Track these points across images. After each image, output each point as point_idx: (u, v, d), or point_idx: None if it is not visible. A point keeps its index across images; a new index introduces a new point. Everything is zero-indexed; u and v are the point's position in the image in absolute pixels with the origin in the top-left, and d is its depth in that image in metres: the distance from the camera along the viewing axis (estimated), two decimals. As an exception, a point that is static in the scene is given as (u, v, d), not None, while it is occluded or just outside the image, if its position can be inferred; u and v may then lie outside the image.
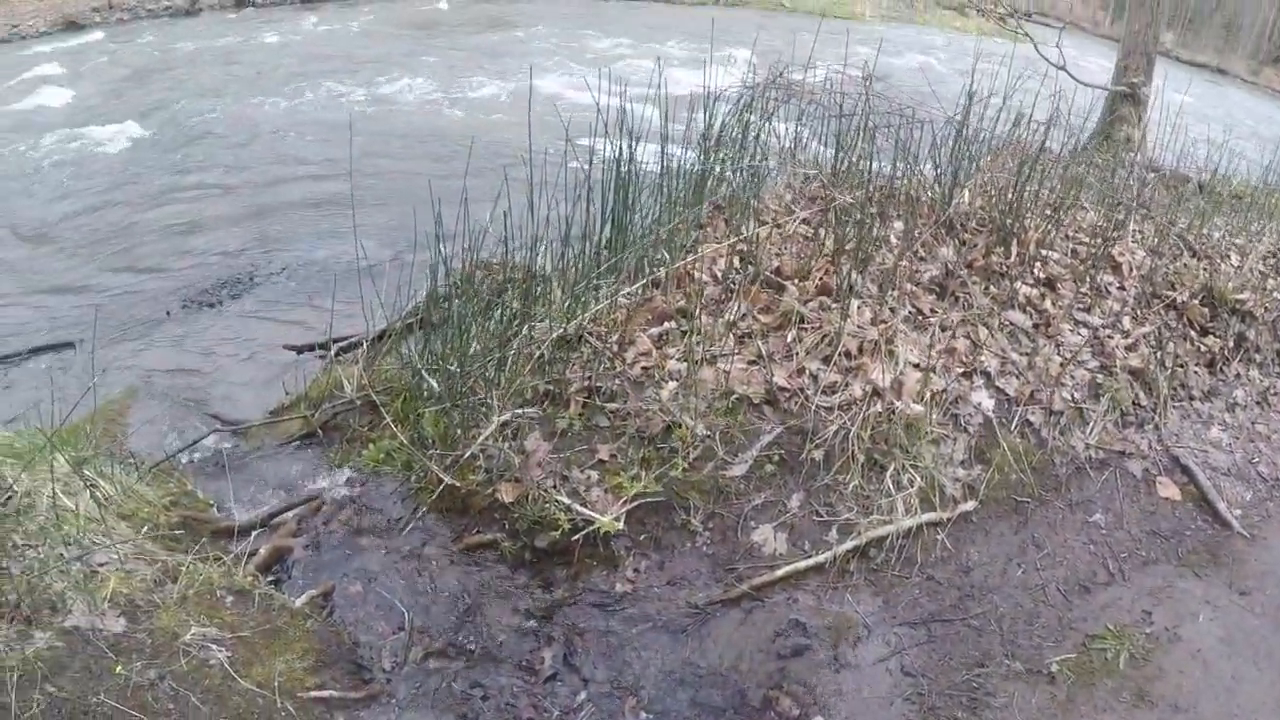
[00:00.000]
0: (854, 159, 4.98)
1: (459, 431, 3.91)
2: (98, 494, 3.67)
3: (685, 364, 3.96)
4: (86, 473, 3.71)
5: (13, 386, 5.76)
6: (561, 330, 4.09)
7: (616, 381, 3.95)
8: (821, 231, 4.79)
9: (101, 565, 3.19)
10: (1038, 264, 4.94)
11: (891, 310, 4.37)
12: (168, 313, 6.46)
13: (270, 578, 3.64)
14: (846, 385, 4.00)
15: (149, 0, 26.70)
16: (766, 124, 5.18)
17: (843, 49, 5.39)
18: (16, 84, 16.77)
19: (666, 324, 4.22)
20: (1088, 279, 4.97)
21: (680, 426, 3.73)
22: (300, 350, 5.52)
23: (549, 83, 11.99)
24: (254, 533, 3.91)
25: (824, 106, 5.39)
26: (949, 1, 26.86)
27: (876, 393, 3.98)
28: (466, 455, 3.78)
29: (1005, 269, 4.84)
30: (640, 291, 4.31)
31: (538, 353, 4.02)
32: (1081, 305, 4.85)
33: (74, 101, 14.30)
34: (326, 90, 12.28)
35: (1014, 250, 4.93)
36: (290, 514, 4.03)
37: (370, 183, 8.67)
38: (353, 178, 8.40)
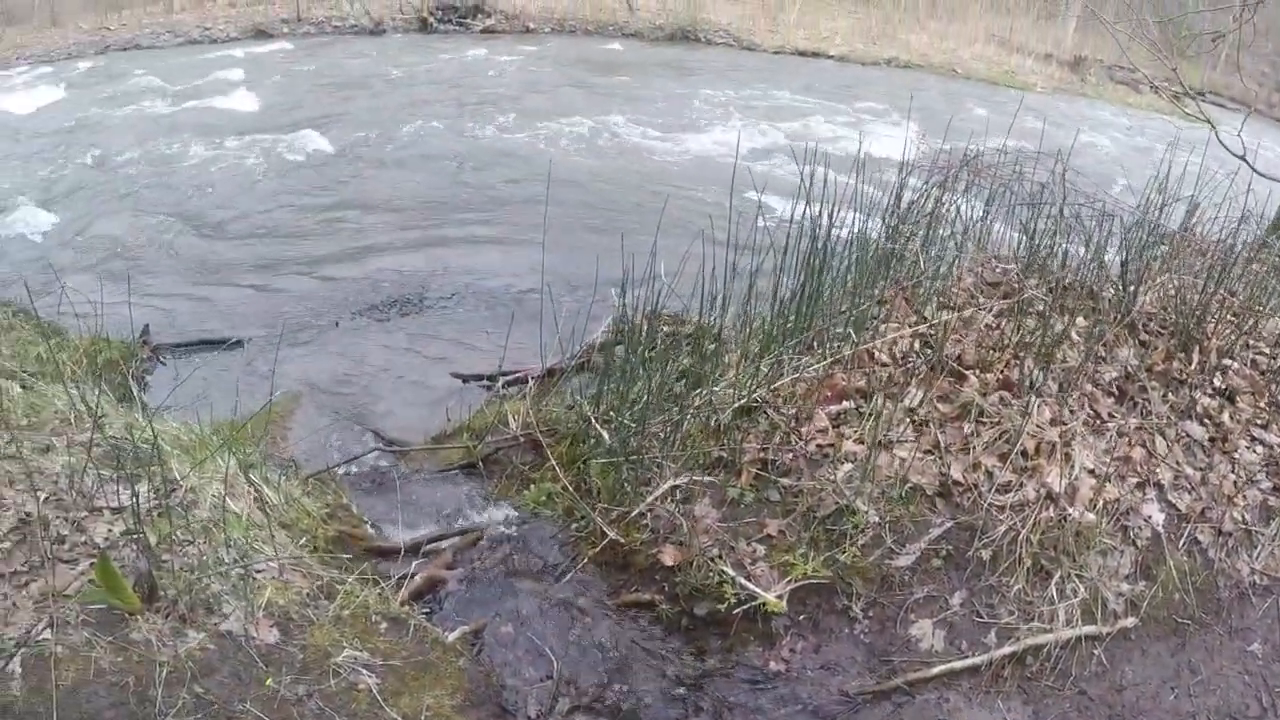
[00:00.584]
0: (1041, 247, 4.85)
1: (627, 487, 3.91)
2: (262, 500, 3.75)
3: (862, 446, 3.89)
4: (253, 477, 3.80)
5: (181, 376, 5.97)
6: (745, 401, 4.07)
7: (791, 456, 3.90)
8: (1004, 321, 4.68)
9: (259, 572, 3.26)
10: (1218, 373, 4.72)
11: (1071, 411, 4.23)
12: (336, 323, 6.67)
13: (423, 607, 3.67)
14: (1020, 485, 3.88)
15: (335, 16, 27.91)
16: (953, 202, 5.07)
17: (1015, 119, 5.25)
18: (205, 84, 17.73)
19: (845, 403, 4.17)
20: (1267, 393, 4.73)
21: (854, 513, 3.66)
22: (467, 379, 5.63)
23: (725, 134, 12.02)
24: (406, 555, 3.97)
25: (1012, 190, 5.26)
26: (1121, 75, 26.24)
27: (1050, 496, 3.86)
28: (634, 513, 3.78)
29: (1185, 376, 4.64)
30: (821, 367, 4.27)
31: (715, 419, 4.01)
32: (1260, 422, 4.61)
33: (258, 106, 15.01)
34: (501, 121, 12.57)
35: (1195, 357, 4.73)
36: (446, 543, 4.09)
37: (538, 219, 8.79)
38: (535, 210, 8.58)
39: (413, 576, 3.77)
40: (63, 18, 41.34)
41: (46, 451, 3.57)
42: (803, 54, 23.92)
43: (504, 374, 5.36)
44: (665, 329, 4.84)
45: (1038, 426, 4.08)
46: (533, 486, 4.29)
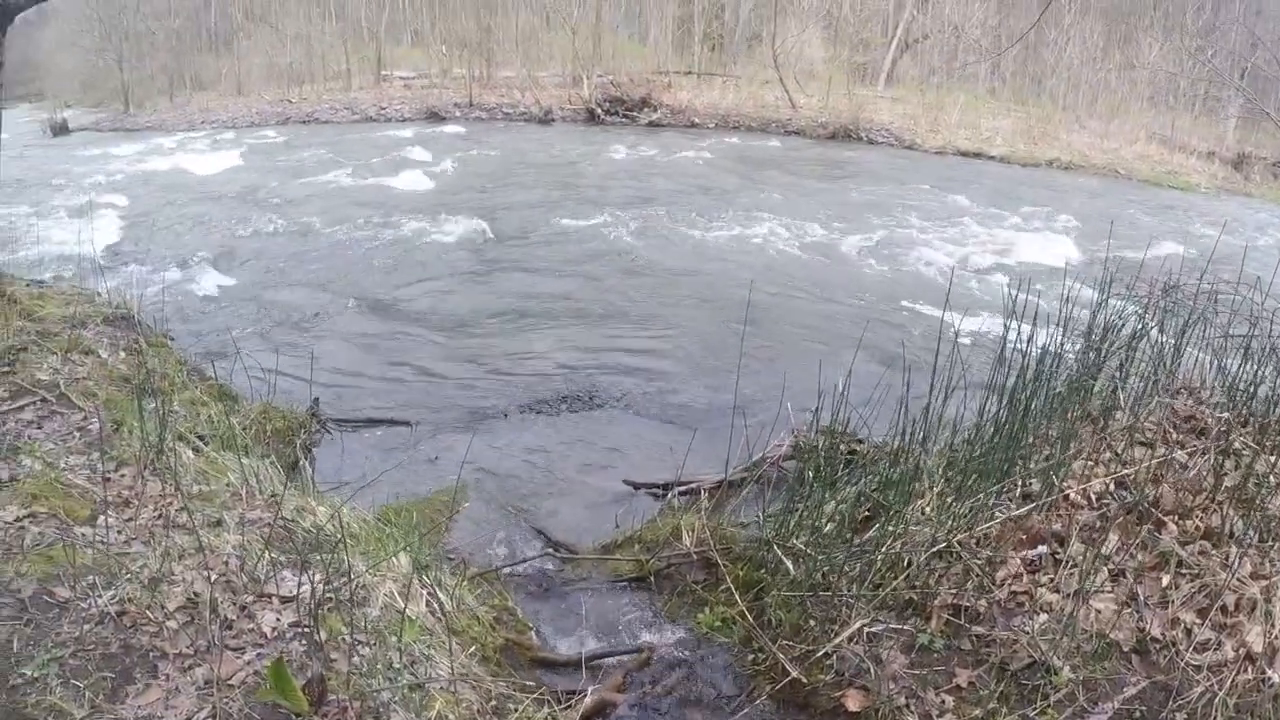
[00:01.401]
0: (1240, 379, 4.41)
1: (812, 623, 3.61)
2: (434, 603, 3.59)
3: (1058, 596, 3.53)
4: (426, 578, 3.64)
5: (346, 453, 5.92)
6: (943, 545, 3.75)
7: (984, 603, 3.56)
8: (1202, 461, 4.24)
9: (429, 681, 3.07)
10: None
11: (1273, 564, 3.78)
12: (505, 414, 6.56)
13: (592, 731, 3.43)
14: (1219, 644, 3.45)
15: (506, 103, 28.81)
16: (1142, 326, 4.68)
17: (1183, 223, 4.85)
18: (380, 161, 18.37)
19: (1040, 547, 3.81)
20: None
21: (1050, 670, 3.30)
22: (638, 487, 5.41)
23: (890, 239, 11.73)
24: (573, 669, 3.73)
25: (1205, 317, 4.83)
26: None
27: (1249, 656, 3.42)
28: (819, 653, 3.47)
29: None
30: (1017, 508, 3.92)
31: (908, 560, 3.70)
32: None
33: (431, 187, 15.41)
34: (668, 218, 12.54)
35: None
36: (615, 660, 3.84)
37: (706, 320, 8.62)
38: (702, 312, 8.44)
39: (584, 695, 3.52)
40: (247, 87, 44.00)
41: (217, 525, 3.49)
42: (964, 154, 23.76)
43: (677, 484, 5.14)
44: (845, 447, 4.57)
45: (1239, 580, 3.66)
46: (707, 609, 4.03)
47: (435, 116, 28.60)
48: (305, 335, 8.03)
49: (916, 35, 39.30)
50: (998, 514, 3.86)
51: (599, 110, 26.58)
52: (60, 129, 41.63)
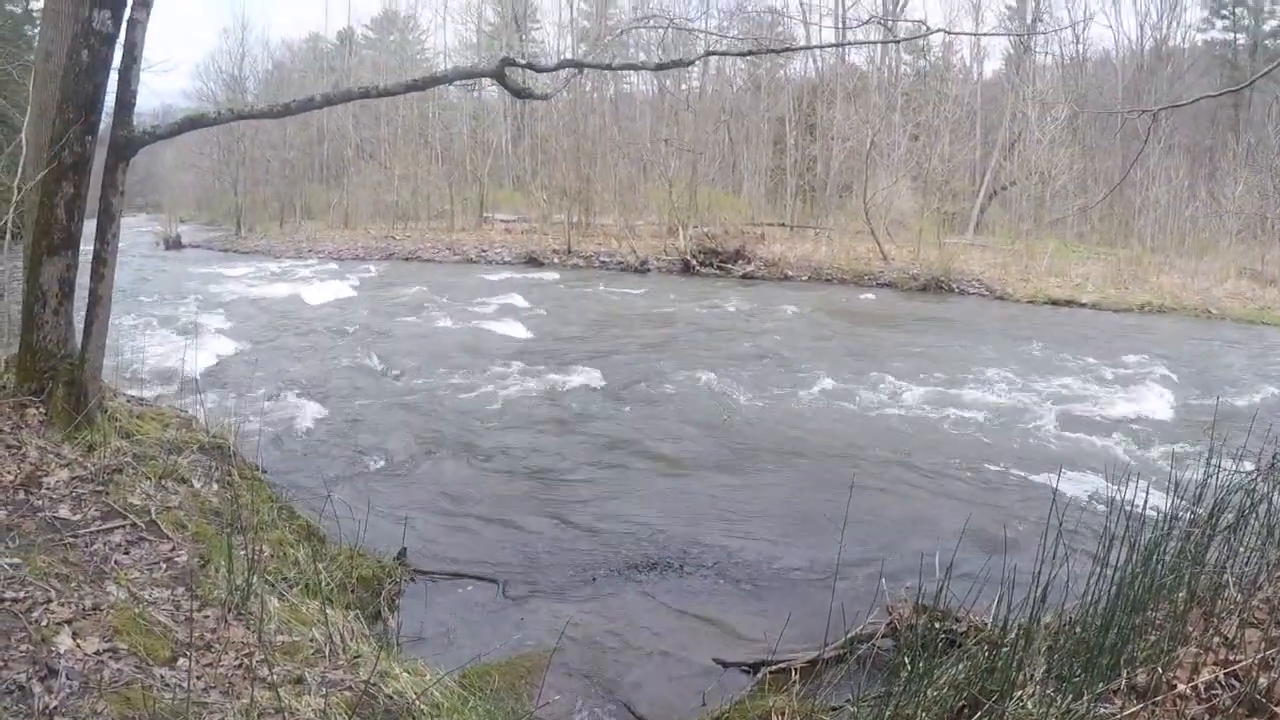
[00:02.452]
0: None
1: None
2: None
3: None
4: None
5: (430, 605, 5.75)
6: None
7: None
8: None
9: None
10: None
11: None
12: (594, 578, 6.35)
13: None
14: None
15: (603, 251, 29.35)
16: (1257, 500, 4.36)
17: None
18: (479, 305, 18.69)
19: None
20: None
21: None
22: (727, 665, 5.15)
23: (987, 396, 11.38)
24: None
25: None
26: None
27: None
28: None
29: None
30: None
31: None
32: None
33: (527, 334, 15.56)
34: (764, 374, 12.37)
35: None
36: None
37: (803, 485, 8.39)
38: (800, 475, 8.22)
39: None
40: (354, 220, 45.58)
41: (298, 683, 3.35)
42: (1055, 303, 23.36)
43: (767, 663, 4.89)
44: (944, 627, 4.29)
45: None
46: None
47: (534, 262, 29.21)
48: (397, 478, 7.98)
49: (1004, 182, 39.70)
50: (1103, 709, 3.54)
51: (694, 262, 26.86)
52: (174, 243, 43.46)
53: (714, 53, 18.46)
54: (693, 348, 14.38)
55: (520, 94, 7.66)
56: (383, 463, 8.35)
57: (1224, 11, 48.29)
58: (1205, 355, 16.18)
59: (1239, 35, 48.45)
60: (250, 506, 5.48)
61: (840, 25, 46.02)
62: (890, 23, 41.88)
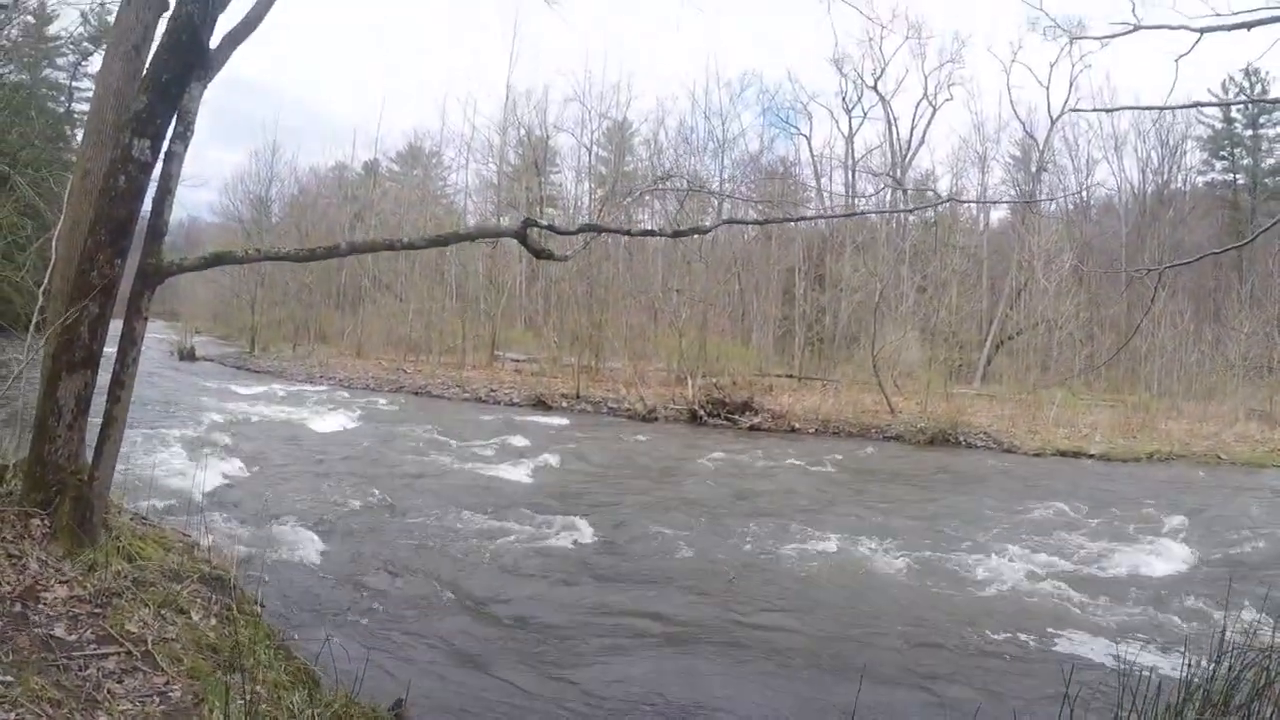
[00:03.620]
0: None
1: None
2: None
3: None
4: None
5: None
6: None
7: None
8: None
9: None
10: None
11: None
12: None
13: None
14: None
15: (611, 398, 29.42)
16: (1270, 679, 4.19)
17: None
18: (485, 446, 18.69)
19: None
20: None
21: None
22: None
23: (1000, 559, 10.99)
24: None
25: None
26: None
27: None
28: None
29: None
30: None
31: None
32: None
33: (531, 480, 15.49)
34: (773, 532, 11.97)
35: None
36: None
37: (807, 653, 8.10)
38: (802, 641, 7.96)
39: None
40: (367, 350, 45.92)
41: None
42: (1063, 454, 23.05)
43: None
44: None
45: None
46: None
47: (542, 404, 29.24)
48: (396, 622, 7.77)
49: (1010, 332, 40.07)
50: None
51: (702, 412, 26.81)
52: (188, 355, 43.87)
53: (731, 221, 18.80)
54: (697, 502, 14.18)
55: (541, 254, 7.79)
56: (382, 606, 8.14)
57: (1222, 153, 50.00)
58: (1215, 504, 15.97)
59: (1238, 175, 49.96)
60: (248, 644, 5.32)
61: (850, 178, 47.57)
62: (899, 175, 43.23)
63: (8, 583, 5.29)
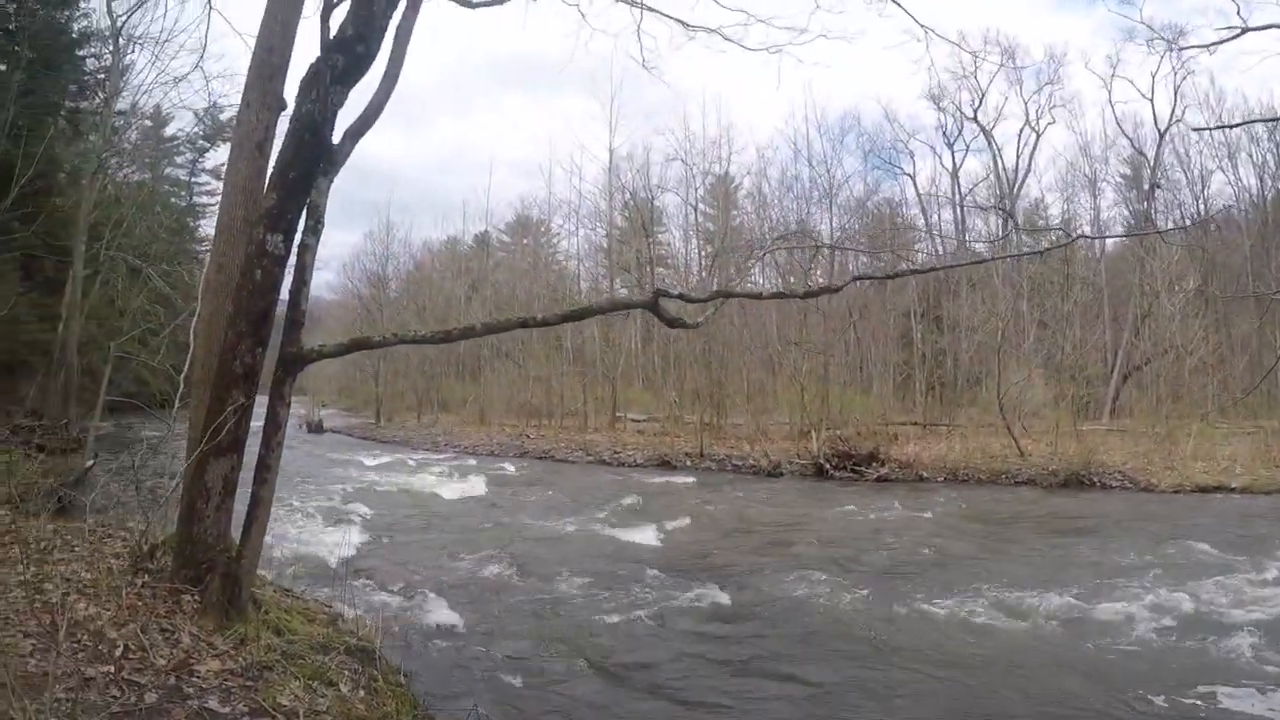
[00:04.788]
0: None
1: None
2: None
3: None
4: None
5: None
6: None
7: None
8: None
9: None
10: None
11: None
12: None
13: None
14: None
15: (735, 455, 29.29)
16: None
17: None
18: (610, 509, 18.76)
19: None
20: None
21: None
22: None
23: (1141, 607, 10.43)
24: None
25: None
26: None
27: None
28: None
29: None
30: None
31: None
32: None
33: (658, 541, 15.45)
34: (913, 591, 11.47)
35: None
36: None
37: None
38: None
39: None
40: (489, 417, 46.70)
41: None
42: (1203, 489, 21.83)
43: None
44: None
45: None
46: None
47: (666, 464, 29.27)
48: (535, 690, 7.76)
49: (1137, 362, 38.24)
50: None
51: (827, 465, 26.35)
52: (316, 427, 45.31)
53: (862, 277, 18.60)
54: (829, 559, 13.88)
55: (673, 324, 7.88)
56: (520, 673, 8.13)
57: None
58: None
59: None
60: (394, 716, 5.49)
61: (959, 215, 46.64)
62: (1009, 207, 42.13)
63: (162, 656, 5.56)
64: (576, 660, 8.73)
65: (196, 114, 44.47)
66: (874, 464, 26.07)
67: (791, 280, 35.55)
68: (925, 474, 25.52)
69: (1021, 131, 44.77)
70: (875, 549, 14.80)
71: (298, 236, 6.56)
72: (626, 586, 11.63)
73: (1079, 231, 39.92)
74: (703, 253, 48.77)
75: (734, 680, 8.43)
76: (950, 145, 46.62)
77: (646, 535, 15.66)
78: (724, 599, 11.21)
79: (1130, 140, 42.92)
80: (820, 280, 33.56)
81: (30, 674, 4.94)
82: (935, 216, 48.09)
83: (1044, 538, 16.09)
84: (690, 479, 26.06)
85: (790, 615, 10.67)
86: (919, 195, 47.97)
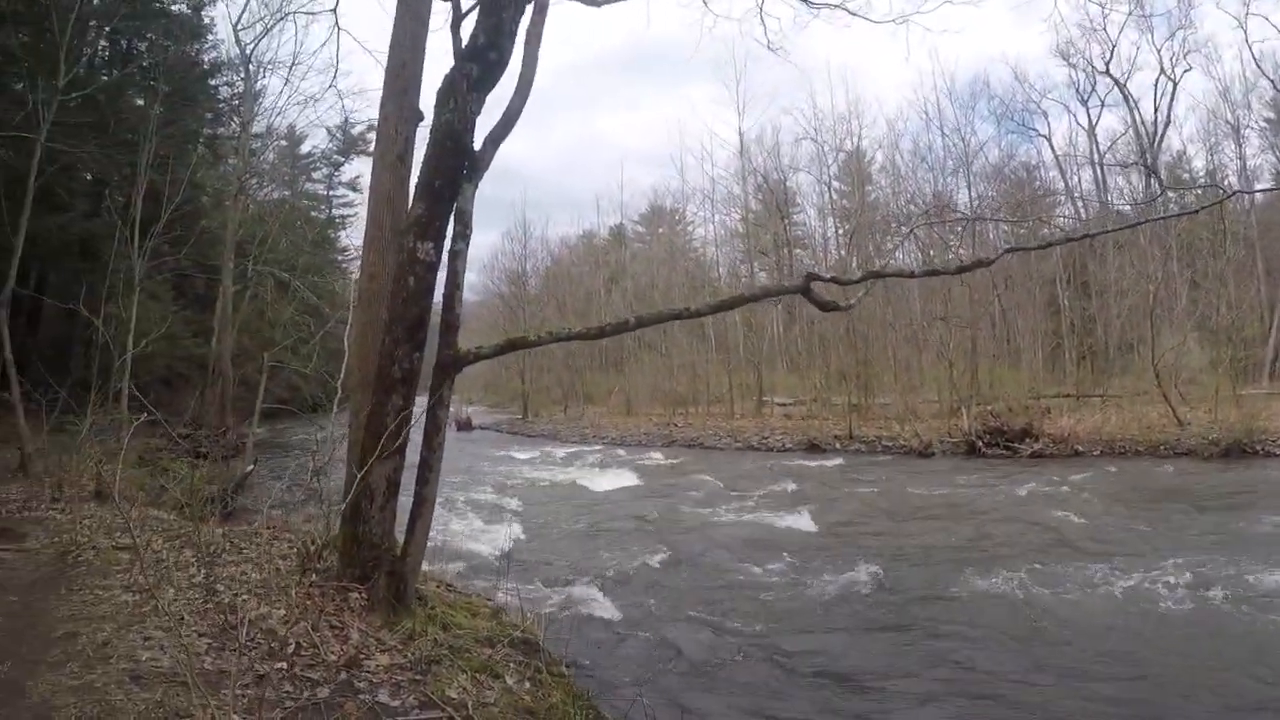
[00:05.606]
0: None
1: None
2: None
3: None
4: None
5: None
6: None
7: None
8: None
9: None
10: None
11: None
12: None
13: None
14: None
15: (885, 436, 28.84)
16: None
17: None
18: (763, 494, 18.69)
19: None
20: None
21: None
22: None
23: None
24: None
25: None
26: None
27: None
28: None
29: None
30: None
31: None
32: None
33: (811, 525, 15.30)
34: (1071, 572, 10.93)
35: None
36: None
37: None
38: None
39: None
40: (635, 407, 47.02)
41: None
42: None
43: None
44: None
45: None
46: None
47: (815, 448, 28.99)
48: (697, 678, 7.80)
49: None
50: None
51: (979, 443, 25.65)
52: (465, 424, 46.44)
53: (1015, 249, 17.99)
54: (985, 540, 13.52)
55: (825, 308, 7.78)
56: (679, 660, 8.11)
57: None
58: None
59: None
60: (560, 706, 5.60)
61: (1099, 174, 44.54)
62: (1151, 162, 40.04)
63: (333, 653, 5.80)
64: (737, 649, 8.68)
65: (329, 130, 46.43)
66: (1027, 440, 25.28)
67: (932, 254, 34.81)
68: (1080, 448, 24.62)
69: (1157, 82, 42.10)
70: (1033, 528, 14.35)
71: (447, 243, 6.73)
72: (781, 573, 11.58)
73: (1226, 183, 37.58)
74: (839, 231, 48.10)
75: (896, 666, 8.26)
76: (1084, 102, 44.37)
77: (800, 520, 15.53)
78: (881, 583, 11.03)
79: (1272, 82, 40.06)
80: (962, 253, 32.70)
81: (207, 671, 5.23)
82: (1075, 178, 46.11)
83: (1210, 511, 15.27)
84: (839, 461, 25.78)
85: (950, 599, 10.43)
86: (1056, 157, 45.93)
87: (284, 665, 5.51)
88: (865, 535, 14.41)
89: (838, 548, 13.19)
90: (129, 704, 4.75)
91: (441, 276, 6.84)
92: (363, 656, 5.85)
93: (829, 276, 7.97)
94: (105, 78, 25.20)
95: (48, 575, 8.00)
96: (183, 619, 5.97)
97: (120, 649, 5.63)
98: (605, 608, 9.97)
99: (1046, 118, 47.53)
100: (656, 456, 29.80)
